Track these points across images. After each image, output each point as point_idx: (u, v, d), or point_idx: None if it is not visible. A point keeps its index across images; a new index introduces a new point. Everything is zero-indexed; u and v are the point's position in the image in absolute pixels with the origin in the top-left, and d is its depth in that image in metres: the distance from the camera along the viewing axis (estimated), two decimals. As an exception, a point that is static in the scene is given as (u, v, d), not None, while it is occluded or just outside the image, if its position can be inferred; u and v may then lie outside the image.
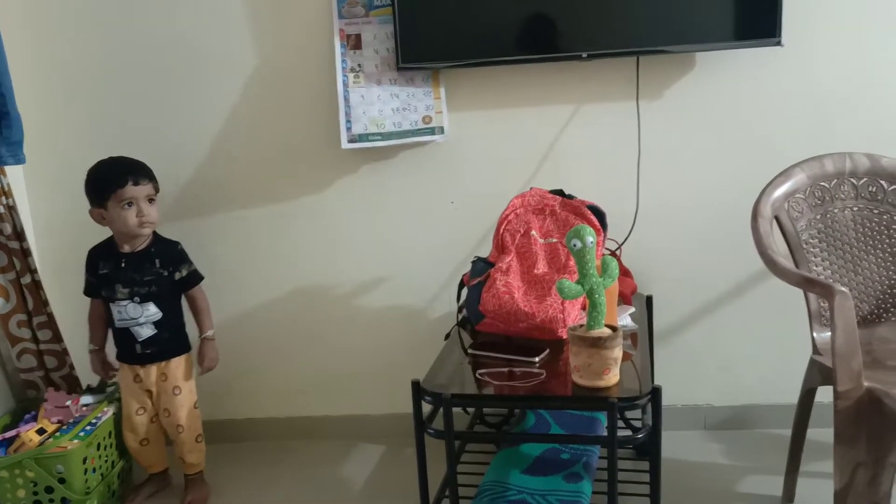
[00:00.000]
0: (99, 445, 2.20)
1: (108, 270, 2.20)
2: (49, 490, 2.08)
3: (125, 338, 2.22)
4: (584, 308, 1.84)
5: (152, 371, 2.24)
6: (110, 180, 2.13)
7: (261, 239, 2.54)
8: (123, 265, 2.19)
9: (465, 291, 2.08)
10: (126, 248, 2.20)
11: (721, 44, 2.19)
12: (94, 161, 2.18)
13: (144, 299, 2.19)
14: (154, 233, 2.24)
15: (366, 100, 2.37)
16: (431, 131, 2.38)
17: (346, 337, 2.59)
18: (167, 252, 2.24)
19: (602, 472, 1.87)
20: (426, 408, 1.68)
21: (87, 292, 2.27)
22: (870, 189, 2.03)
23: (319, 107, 2.42)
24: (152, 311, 2.20)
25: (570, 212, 1.99)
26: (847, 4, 2.22)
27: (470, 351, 1.86)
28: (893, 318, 2.01)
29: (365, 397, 2.62)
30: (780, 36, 2.13)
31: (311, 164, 2.48)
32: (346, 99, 2.37)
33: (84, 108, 2.48)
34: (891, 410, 1.56)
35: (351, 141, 2.38)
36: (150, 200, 2.18)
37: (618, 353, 1.58)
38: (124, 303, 2.19)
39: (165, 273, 2.22)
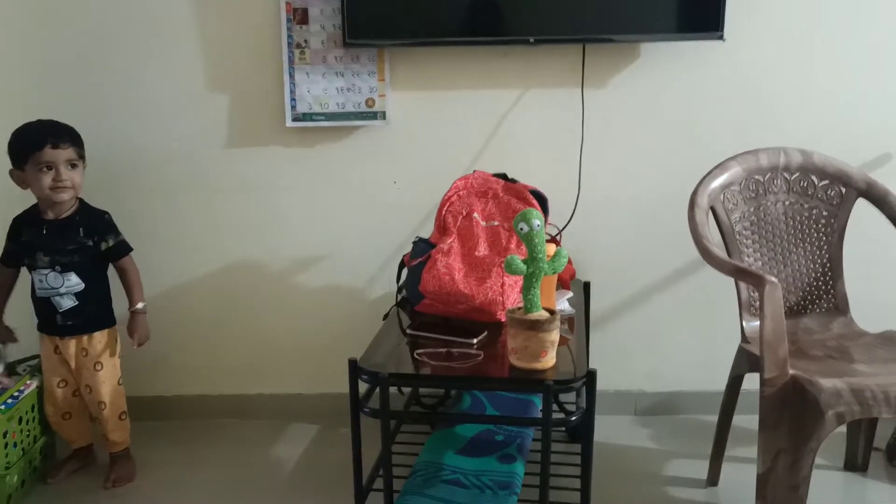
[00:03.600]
0: (21, 419, 2.12)
1: (29, 237, 2.12)
2: (-34, 465, 2.00)
3: (46, 308, 2.14)
4: (521, 293, 1.85)
5: (71, 344, 2.17)
6: (29, 142, 2.05)
7: (196, 213, 2.48)
8: (45, 232, 2.11)
9: (405, 272, 2.07)
10: (49, 215, 2.12)
11: (665, 35, 2.23)
12: (14, 124, 2.10)
13: (66, 269, 2.11)
14: (80, 201, 2.16)
15: (310, 78, 2.33)
16: (374, 116, 2.36)
17: (281, 315, 2.55)
18: (92, 221, 2.16)
19: (535, 454, 1.89)
20: (363, 387, 1.68)
21: (5, 261, 2.19)
22: (801, 184, 2.09)
23: (263, 82, 2.38)
24: (74, 281, 2.13)
25: (513, 196, 2.00)
26: (786, 3, 2.27)
27: (408, 331, 1.86)
28: (818, 310, 2.08)
29: (300, 376, 2.59)
30: (722, 30, 2.17)
31: (252, 140, 2.42)
32: (291, 76, 2.33)
33: (14, 71, 2.38)
34: (813, 398, 1.61)
35: (295, 119, 2.35)
36: (73, 166, 2.09)
37: (555, 336, 1.59)
38: (45, 271, 2.11)
39: (90, 243, 2.14)
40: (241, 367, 2.59)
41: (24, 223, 2.14)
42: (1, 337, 2.24)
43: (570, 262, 2.29)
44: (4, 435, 2.04)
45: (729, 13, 2.16)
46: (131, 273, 2.22)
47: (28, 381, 2.19)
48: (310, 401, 2.59)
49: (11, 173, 2.09)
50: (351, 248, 2.49)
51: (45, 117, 2.13)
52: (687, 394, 2.54)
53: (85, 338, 2.17)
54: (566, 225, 2.36)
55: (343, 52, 2.32)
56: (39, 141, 2.04)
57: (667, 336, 2.51)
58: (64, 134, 2.08)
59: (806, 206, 2.09)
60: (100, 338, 2.19)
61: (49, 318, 2.15)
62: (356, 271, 2.51)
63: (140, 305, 2.22)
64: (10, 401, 2.10)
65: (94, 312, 2.18)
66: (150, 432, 2.48)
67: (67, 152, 2.07)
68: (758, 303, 1.93)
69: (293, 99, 2.34)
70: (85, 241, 2.13)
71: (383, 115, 2.36)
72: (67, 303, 2.13)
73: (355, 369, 1.65)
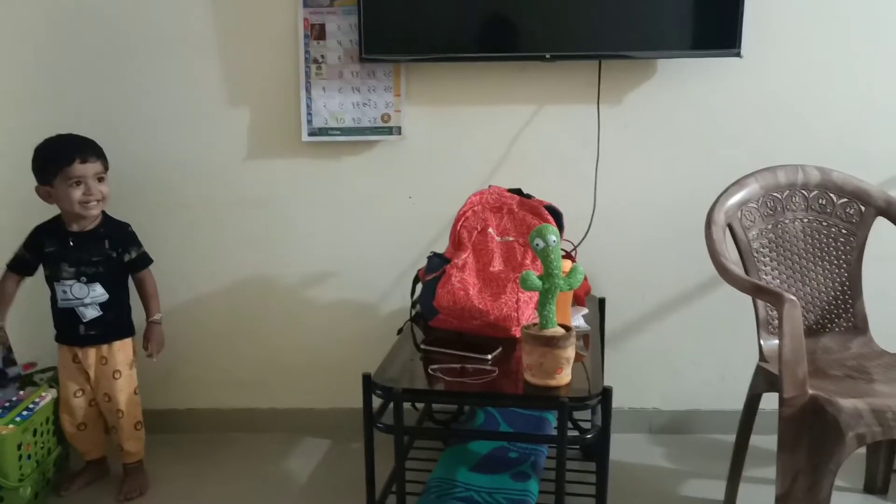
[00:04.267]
0: (35, 431, 2.12)
1: (54, 248, 2.14)
2: (-21, 476, 2.00)
3: (68, 319, 2.15)
4: (536, 308, 1.84)
5: (91, 353, 2.18)
6: (57, 157, 2.07)
7: (210, 226, 2.49)
8: (71, 244, 2.13)
9: (419, 287, 2.06)
10: (74, 227, 2.14)
11: (682, 52, 2.22)
12: (39, 138, 2.11)
13: (91, 280, 2.13)
14: (104, 214, 2.18)
15: (326, 93, 2.34)
16: (389, 131, 2.37)
17: (294, 330, 2.55)
18: (117, 233, 2.19)
19: (549, 472, 1.87)
20: (376, 402, 1.67)
21: (12, 266, 2.19)
22: (820, 202, 2.07)
23: (279, 97, 2.39)
24: (98, 292, 2.15)
25: (528, 211, 1.99)
26: (806, 20, 2.27)
27: (422, 346, 1.85)
28: (837, 329, 2.06)
29: (312, 391, 2.58)
30: (739, 47, 2.16)
31: (267, 154, 2.43)
32: (308, 91, 2.34)
33: (33, 84, 2.40)
34: (833, 418, 1.59)
35: (311, 134, 2.36)
36: (100, 179, 2.12)
37: (570, 352, 1.58)
38: (69, 282, 2.13)
39: (114, 254, 2.16)
40: (254, 381, 2.59)
41: (48, 235, 2.16)
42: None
43: (585, 278, 2.28)
44: (19, 447, 2.04)
45: (746, 30, 2.16)
46: (149, 285, 2.24)
47: (43, 393, 2.20)
48: (322, 416, 2.58)
49: (38, 189, 2.11)
50: (365, 262, 2.48)
51: (65, 130, 2.15)
52: (702, 413, 2.52)
53: (105, 347, 2.19)
54: (581, 241, 2.35)
55: (359, 67, 2.33)
56: (68, 157, 2.06)
57: (682, 354, 2.49)
58: (90, 148, 2.11)
59: (824, 223, 2.07)
60: (119, 346, 2.21)
61: (71, 329, 2.17)
62: (370, 286, 2.50)
63: (157, 316, 2.24)
64: (24, 413, 2.10)
65: (115, 322, 2.20)
66: (162, 445, 2.47)
67: (95, 166, 2.10)
68: (776, 321, 1.91)
69: (309, 114, 2.35)
70: (110, 253, 2.16)
71: (399, 130, 2.37)
72: (91, 313, 2.15)
73: (369, 384, 1.64)
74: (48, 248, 2.14)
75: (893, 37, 2.27)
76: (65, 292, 2.14)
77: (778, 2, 2.26)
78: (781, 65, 2.30)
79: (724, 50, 2.18)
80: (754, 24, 2.20)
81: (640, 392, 2.52)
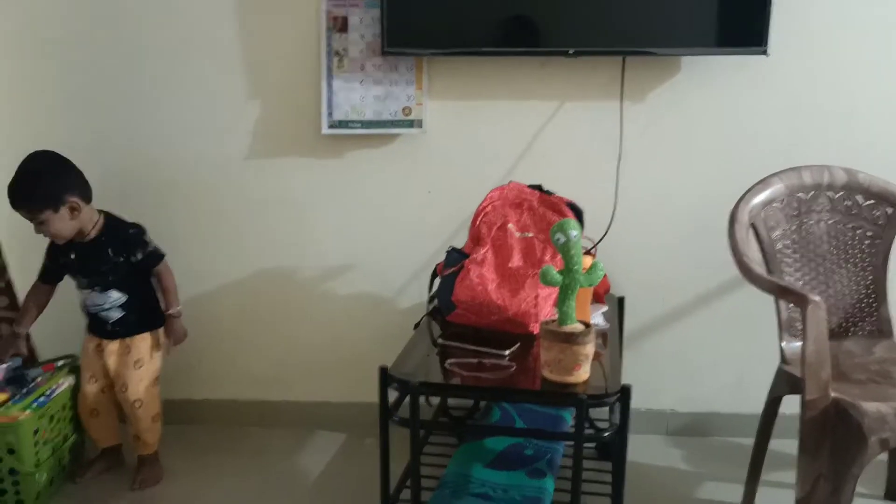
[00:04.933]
0: (52, 418, 2.13)
1: (66, 261, 2.16)
2: (-4, 460, 2.01)
3: (96, 320, 2.20)
4: (555, 305, 1.82)
5: (115, 343, 2.21)
6: (11, 203, 2.05)
7: (228, 219, 2.49)
8: (74, 257, 2.14)
9: (437, 282, 2.05)
10: (76, 239, 2.13)
11: (707, 49, 2.20)
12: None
13: (105, 288, 2.16)
14: (106, 217, 2.16)
15: (348, 85, 2.33)
16: (410, 124, 2.35)
17: (310, 323, 2.55)
18: (119, 238, 2.16)
19: (565, 470, 1.86)
20: (391, 396, 1.66)
21: (42, 278, 2.22)
22: (845, 203, 2.04)
23: (299, 91, 2.38)
24: (115, 296, 2.17)
25: (548, 208, 1.98)
26: (834, 20, 2.23)
27: (439, 341, 1.84)
28: (860, 333, 2.02)
29: (328, 385, 2.58)
30: (766, 45, 2.13)
31: (286, 148, 2.43)
32: (329, 84, 2.33)
33: (49, 75, 2.41)
34: (856, 423, 1.56)
35: (331, 127, 2.35)
36: (41, 222, 2.04)
37: (589, 349, 1.56)
38: (86, 291, 2.17)
39: (121, 259, 2.15)
40: (270, 375, 2.59)
41: (57, 248, 2.17)
42: (13, 349, 2.23)
43: (605, 276, 2.26)
44: (35, 433, 2.05)
45: (774, 28, 2.13)
46: (165, 280, 2.23)
47: (61, 381, 2.21)
48: (336, 410, 2.58)
49: None
50: (383, 257, 2.48)
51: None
52: (720, 415, 2.49)
53: (128, 339, 2.21)
54: (601, 239, 2.33)
55: (381, 60, 2.32)
56: (15, 206, 2.04)
57: (701, 355, 2.46)
58: (20, 199, 2.03)
59: (850, 225, 2.04)
60: (144, 337, 2.23)
61: (99, 326, 2.21)
62: (388, 281, 2.49)
63: (175, 310, 2.24)
64: (42, 399, 2.11)
65: (138, 319, 2.22)
66: (178, 436, 2.48)
67: (31, 214, 2.04)
68: (799, 323, 1.88)
69: (330, 106, 2.34)
70: (116, 260, 2.15)
71: (420, 124, 2.35)
72: (115, 314, 2.18)
73: (385, 377, 1.63)
74: (62, 261, 2.16)
75: (924, 37, 2.24)
76: (86, 299, 2.18)
77: (806, 0, 2.23)
78: (809, 64, 2.26)
79: (750, 48, 2.15)
80: (782, 22, 2.17)
81: (657, 393, 2.50)
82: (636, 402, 2.43)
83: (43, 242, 2.17)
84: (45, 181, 2.06)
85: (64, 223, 2.07)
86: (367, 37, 2.32)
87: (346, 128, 2.36)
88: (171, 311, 2.24)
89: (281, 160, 2.44)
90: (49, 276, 2.21)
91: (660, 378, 2.48)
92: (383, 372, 1.63)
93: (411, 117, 2.35)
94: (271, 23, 2.35)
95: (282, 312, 2.55)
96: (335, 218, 2.47)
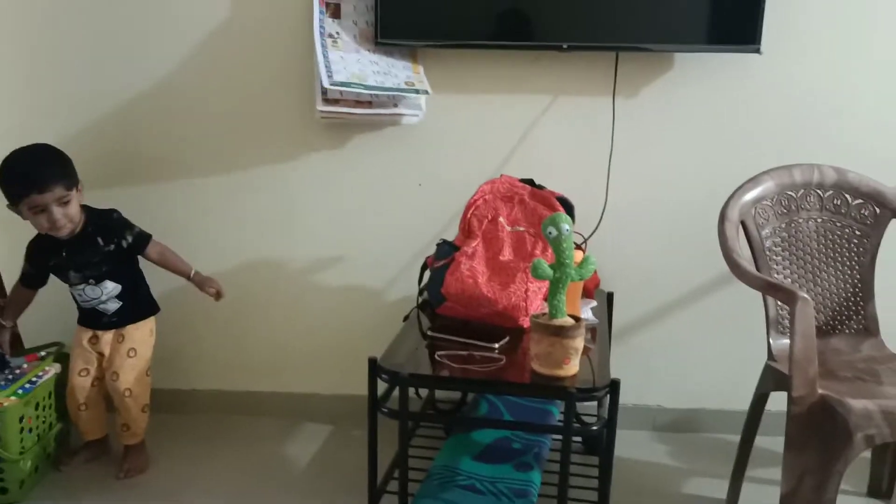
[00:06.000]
0: (37, 405, 2.12)
1: (55, 261, 2.12)
2: (-20, 448, 2.00)
3: (92, 314, 2.18)
4: (545, 299, 1.83)
5: (110, 333, 2.19)
6: (15, 189, 1.99)
7: (216, 207, 2.47)
8: (65, 254, 2.10)
9: (427, 274, 2.05)
10: (63, 236, 2.08)
11: (701, 46, 2.20)
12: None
13: (99, 279, 2.13)
14: (85, 209, 2.12)
15: (345, 59, 2.24)
16: (416, 91, 2.27)
17: (299, 314, 2.54)
18: (106, 226, 2.14)
19: (551, 464, 1.86)
20: (381, 388, 1.65)
21: (23, 282, 2.19)
22: (835, 202, 2.05)
23: (292, 72, 2.36)
24: (110, 287, 2.15)
25: (539, 202, 1.98)
26: (827, 19, 2.24)
27: (429, 333, 1.84)
28: (847, 331, 2.04)
29: (316, 376, 2.57)
30: (759, 43, 2.14)
31: (277, 134, 2.41)
32: (326, 56, 2.23)
33: (38, 56, 2.39)
34: (842, 419, 1.58)
35: (332, 86, 2.17)
36: (65, 202, 2.01)
37: (579, 343, 1.57)
38: (80, 287, 2.14)
39: (112, 247, 2.13)
40: (257, 364, 2.58)
41: (42, 249, 2.13)
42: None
43: (595, 271, 2.26)
44: (21, 420, 2.03)
45: (767, 26, 2.13)
46: (165, 254, 2.21)
47: (47, 368, 2.19)
48: (324, 401, 2.57)
49: (9, 208, 2.04)
50: (373, 248, 2.47)
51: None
52: (707, 411, 2.50)
53: (123, 328, 2.20)
54: (592, 233, 2.33)
55: (375, 48, 2.29)
56: (25, 189, 1.97)
57: (689, 351, 2.47)
58: (47, 175, 1.98)
59: (838, 224, 2.05)
60: (138, 326, 2.22)
61: (95, 318, 2.19)
62: (377, 272, 2.49)
63: (192, 272, 2.23)
64: (27, 386, 2.10)
65: (134, 307, 2.21)
66: (165, 425, 2.47)
67: (55, 193, 1.99)
68: (786, 320, 1.90)
69: (329, 69, 2.18)
70: (107, 249, 2.13)
71: (426, 92, 2.27)
72: (113, 306, 2.17)
73: (375, 368, 1.63)
74: (50, 262, 2.13)
75: (915, 38, 2.25)
76: (80, 295, 2.16)
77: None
78: (802, 63, 2.27)
79: (743, 45, 2.15)
80: (775, 19, 2.17)
81: (645, 389, 2.50)
82: (624, 398, 2.43)
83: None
84: (64, 159, 2.05)
85: (77, 206, 2.07)
86: (361, 24, 2.29)
87: (348, 87, 2.18)
88: (191, 275, 2.23)
89: (269, 144, 2.42)
90: (31, 282, 2.19)
91: (648, 374, 2.49)
92: (373, 363, 1.63)
93: (416, 87, 2.28)
94: (263, 7, 2.33)
95: (271, 303, 2.54)
96: (326, 207, 2.46)
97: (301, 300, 2.53)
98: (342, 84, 2.18)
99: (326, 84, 2.16)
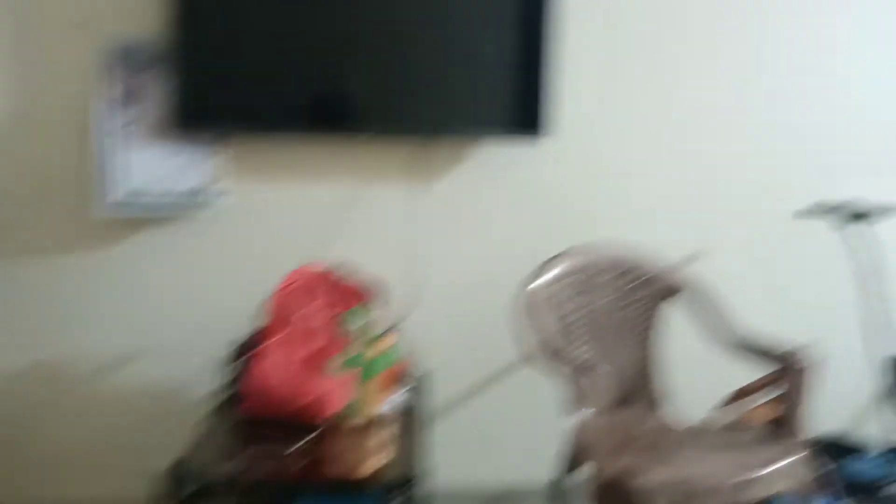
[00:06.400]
0: None
1: None
2: None
3: None
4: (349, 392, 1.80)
5: None
6: None
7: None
8: None
9: (232, 368, 1.97)
10: None
11: (494, 135, 2.34)
12: None
13: None
14: None
15: (133, 162, 2.20)
16: (207, 201, 2.26)
17: (85, 417, 2.37)
18: None
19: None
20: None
21: None
22: (617, 283, 2.19)
23: (71, 163, 2.24)
24: None
25: (344, 291, 1.97)
26: (612, 100, 2.43)
27: (232, 432, 1.76)
28: (639, 402, 2.15)
29: (104, 479, 2.37)
30: (546, 131, 2.29)
31: (54, 226, 2.28)
32: (109, 159, 2.18)
33: None
34: (639, 491, 1.65)
35: (109, 206, 2.18)
36: None
37: (384, 437, 1.55)
38: None
39: None
40: (38, 471, 2.36)
41: None
42: None
43: (405, 356, 2.27)
44: None
45: (562, 112, 2.31)
46: None
47: None
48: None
49: None
50: (172, 343, 2.35)
51: None
52: (522, 489, 2.53)
53: None
54: (404, 317, 2.34)
55: (177, 135, 2.23)
56: None
57: (500, 429, 2.51)
58: None
59: (623, 303, 2.19)
60: None
61: None
62: (176, 368, 2.35)
63: None
64: None
65: None
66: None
67: None
68: (582, 395, 1.97)
69: (111, 184, 2.18)
70: None
71: (217, 201, 2.27)
72: None
73: (176, 474, 1.53)
74: None
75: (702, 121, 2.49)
76: None
77: (586, 86, 2.40)
78: (588, 146, 2.44)
79: (533, 134, 2.30)
80: (565, 109, 2.34)
81: (466, 467, 2.50)
82: (446, 477, 2.44)
83: None
84: None
85: None
86: (161, 109, 2.20)
87: (127, 210, 2.19)
88: None
89: (46, 237, 2.29)
90: None
91: (470, 452, 2.49)
92: (173, 469, 1.53)
93: (207, 196, 2.26)
94: (43, 83, 2.21)
95: (53, 410, 2.35)
96: (116, 303, 2.33)
97: (88, 405, 2.37)
98: (120, 205, 2.17)
99: (102, 212, 2.17)
